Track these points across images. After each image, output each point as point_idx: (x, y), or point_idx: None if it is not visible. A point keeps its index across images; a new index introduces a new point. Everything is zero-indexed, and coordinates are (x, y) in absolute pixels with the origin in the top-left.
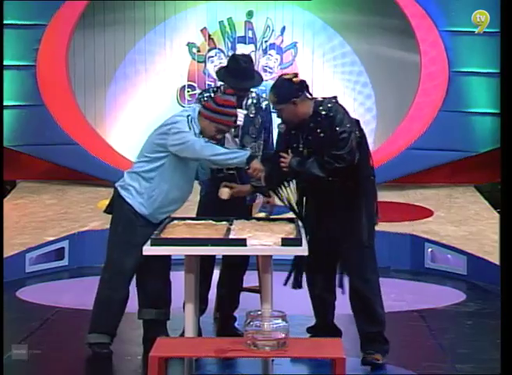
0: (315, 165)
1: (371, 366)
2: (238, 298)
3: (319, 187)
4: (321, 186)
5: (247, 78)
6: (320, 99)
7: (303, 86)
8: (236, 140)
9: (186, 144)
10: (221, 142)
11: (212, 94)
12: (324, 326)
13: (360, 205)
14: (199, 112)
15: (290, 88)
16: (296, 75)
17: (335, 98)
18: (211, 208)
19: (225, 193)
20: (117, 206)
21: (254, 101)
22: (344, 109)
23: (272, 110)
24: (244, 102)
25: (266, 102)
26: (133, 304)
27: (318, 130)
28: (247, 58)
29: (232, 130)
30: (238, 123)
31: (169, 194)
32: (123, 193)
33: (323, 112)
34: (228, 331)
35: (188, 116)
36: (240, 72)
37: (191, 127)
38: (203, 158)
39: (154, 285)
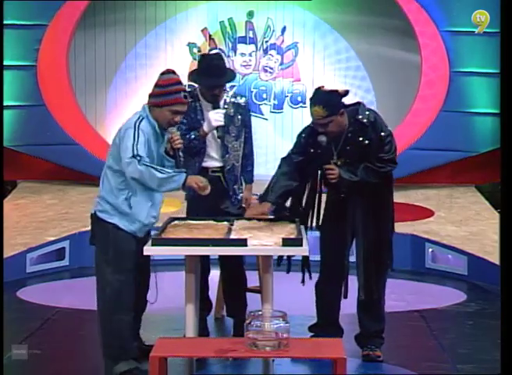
0: (367, 172)
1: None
2: (245, 299)
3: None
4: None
5: (220, 75)
6: (350, 108)
7: (346, 96)
8: (215, 136)
9: (125, 163)
10: (204, 144)
11: (190, 99)
12: (327, 325)
13: (390, 200)
14: (148, 107)
15: (338, 99)
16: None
17: (360, 103)
18: (198, 212)
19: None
20: (100, 232)
21: (232, 99)
22: (376, 113)
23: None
24: (222, 101)
25: (244, 99)
26: None
27: (361, 139)
28: (218, 55)
29: (215, 131)
30: (220, 123)
31: (144, 205)
32: (103, 215)
33: (364, 120)
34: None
35: (138, 118)
36: (211, 69)
37: (136, 136)
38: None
39: None
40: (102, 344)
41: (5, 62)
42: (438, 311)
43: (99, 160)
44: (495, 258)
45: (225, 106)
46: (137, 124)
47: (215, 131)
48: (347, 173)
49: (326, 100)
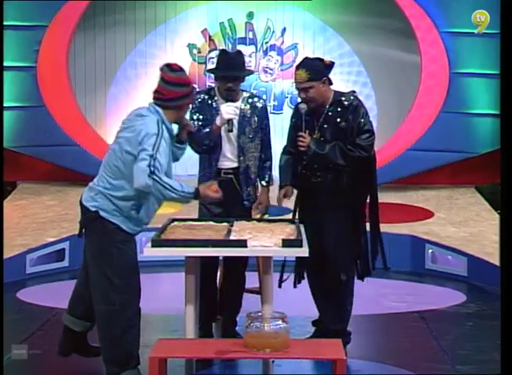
0: (336, 151)
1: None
2: (240, 301)
3: (329, 178)
4: (332, 176)
5: (234, 68)
6: (339, 91)
7: (331, 68)
8: (231, 136)
9: (138, 167)
10: (218, 142)
11: (206, 97)
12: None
13: (365, 198)
14: (161, 108)
15: (321, 67)
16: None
17: (354, 91)
18: (210, 212)
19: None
20: (97, 228)
21: (250, 100)
22: (363, 103)
23: (267, 109)
24: (240, 101)
25: (262, 101)
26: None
27: (338, 120)
28: (237, 51)
29: (225, 125)
30: (231, 116)
31: (151, 208)
32: (104, 214)
33: (346, 103)
34: (229, 336)
35: (158, 125)
36: (228, 62)
37: (157, 145)
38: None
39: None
40: (107, 352)
41: (5, 64)
42: (437, 312)
43: (99, 161)
44: (495, 259)
45: (242, 106)
46: (160, 133)
47: (225, 125)
48: (316, 145)
49: (309, 65)
